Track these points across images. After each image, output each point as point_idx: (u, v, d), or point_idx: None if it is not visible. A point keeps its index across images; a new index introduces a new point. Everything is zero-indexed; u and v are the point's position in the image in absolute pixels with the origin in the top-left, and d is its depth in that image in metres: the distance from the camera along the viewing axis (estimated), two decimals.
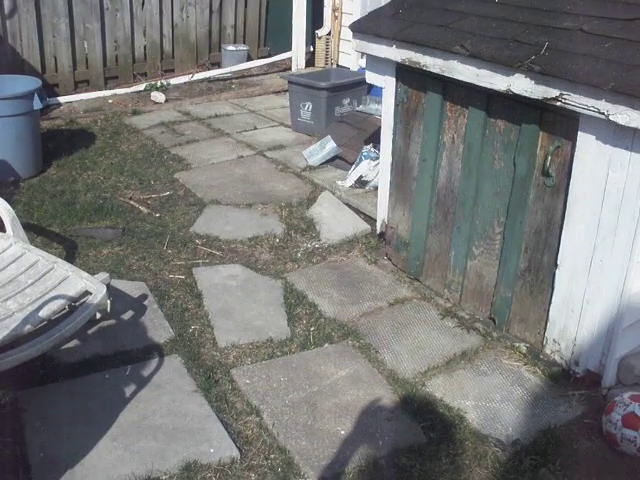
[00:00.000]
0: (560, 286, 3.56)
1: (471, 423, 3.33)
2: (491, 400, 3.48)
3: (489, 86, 3.55)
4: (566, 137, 3.38)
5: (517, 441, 3.23)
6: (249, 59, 9.64)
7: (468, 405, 3.44)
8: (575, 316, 3.51)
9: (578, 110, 3.15)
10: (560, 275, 3.54)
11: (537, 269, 3.68)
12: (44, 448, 3.10)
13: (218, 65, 9.62)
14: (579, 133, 3.27)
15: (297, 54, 9.30)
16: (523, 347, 3.81)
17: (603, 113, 3.03)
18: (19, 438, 3.17)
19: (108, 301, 3.76)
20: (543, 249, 3.63)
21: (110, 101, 8.24)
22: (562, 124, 3.38)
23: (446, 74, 3.80)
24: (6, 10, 7.77)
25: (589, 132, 3.22)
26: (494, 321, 3.99)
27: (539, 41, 3.37)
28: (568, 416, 3.38)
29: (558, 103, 3.22)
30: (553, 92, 3.22)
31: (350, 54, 8.61)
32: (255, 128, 7.42)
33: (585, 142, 3.25)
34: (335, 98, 6.93)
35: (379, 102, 5.27)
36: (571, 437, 3.26)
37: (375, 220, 4.97)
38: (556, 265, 3.55)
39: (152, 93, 8.42)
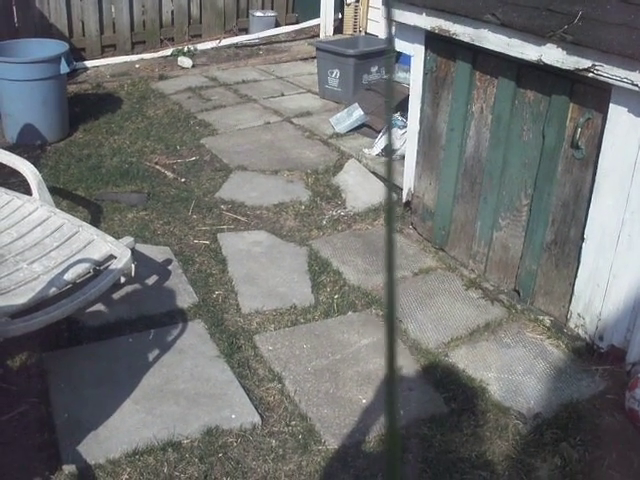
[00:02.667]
0: (586, 260, 3.52)
1: (493, 395, 3.32)
2: (513, 372, 3.47)
3: (520, 56, 3.50)
4: (597, 109, 3.32)
5: (539, 414, 3.22)
6: (277, 25, 9.57)
7: (490, 377, 3.44)
8: (601, 291, 3.48)
9: (610, 82, 3.10)
10: (587, 249, 3.51)
11: (563, 242, 3.65)
12: (68, 409, 3.13)
13: (246, 31, 9.56)
14: (611, 105, 3.21)
15: (325, 21, 9.23)
16: (547, 320, 3.79)
17: (637, 85, 2.98)
18: (44, 399, 3.21)
19: (132, 265, 3.77)
20: (570, 222, 3.59)
21: (137, 66, 8.23)
22: (593, 96, 3.32)
23: (476, 43, 3.75)
24: None
25: (621, 104, 3.16)
26: (518, 293, 3.97)
27: (572, 10, 3.31)
28: (591, 391, 3.36)
29: (590, 74, 3.17)
30: (585, 63, 3.17)
31: (379, 22, 8.53)
32: (282, 95, 7.38)
33: (617, 115, 3.20)
34: (363, 66, 6.88)
35: (407, 70, 5.21)
36: (593, 412, 3.24)
37: (401, 189, 4.93)
38: (583, 239, 3.51)
39: (179, 58, 8.39)
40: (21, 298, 3.29)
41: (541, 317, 3.82)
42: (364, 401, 3.27)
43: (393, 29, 4.58)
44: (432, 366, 3.49)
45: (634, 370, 3.41)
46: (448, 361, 3.54)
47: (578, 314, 3.64)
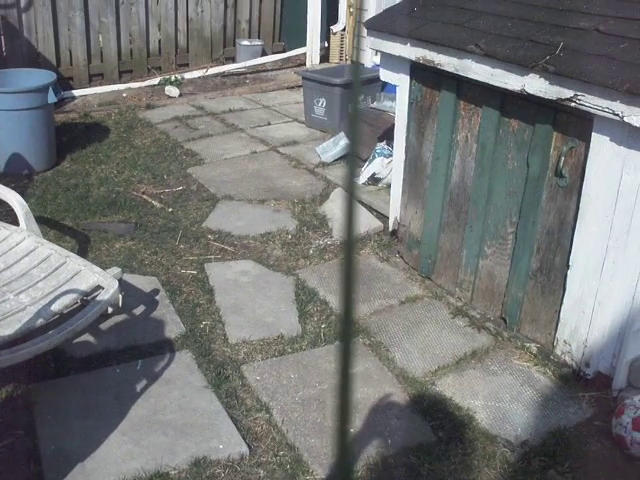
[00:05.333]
0: (572, 287, 3.55)
1: (480, 423, 3.33)
2: (501, 400, 3.48)
3: (503, 86, 3.54)
4: (580, 138, 3.36)
5: (526, 442, 3.22)
6: (264, 54, 9.63)
7: (478, 405, 3.44)
8: (586, 317, 3.50)
9: (592, 111, 3.14)
10: (572, 276, 3.53)
11: (549, 270, 3.68)
12: (55, 441, 3.12)
13: (232, 60, 9.62)
14: (593, 134, 3.25)
15: (312, 50, 9.29)
16: (534, 347, 3.80)
17: (618, 114, 3.02)
18: (31, 431, 3.19)
19: (120, 296, 3.77)
20: (555, 250, 3.62)
21: (124, 95, 8.26)
22: (576, 125, 3.37)
23: (460, 73, 3.79)
24: (22, 4, 7.79)
25: (603, 133, 3.21)
26: (505, 321, 3.99)
27: (554, 41, 3.36)
28: (578, 418, 3.38)
29: (572, 104, 3.21)
30: (567, 93, 3.21)
31: (365, 50, 8.59)
32: (269, 123, 7.42)
33: (599, 143, 3.24)
34: (349, 95, 6.88)
35: (393, 99, 5.26)
36: (580, 439, 3.25)
37: (387, 217, 4.96)
38: (568, 266, 3.54)
39: (166, 87, 8.43)
40: (8, 329, 3.28)
41: (528, 344, 3.83)
42: (351, 430, 3.26)
43: (377, 58, 4.64)
44: (419, 395, 3.50)
45: (620, 396, 3.43)
46: (435, 389, 3.55)
47: (564, 341, 3.65)
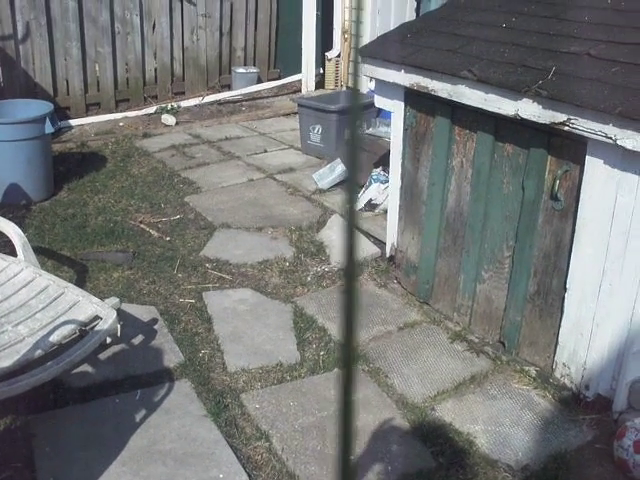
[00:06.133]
0: (569, 310, 3.55)
1: (480, 448, 3.32)
2: (501, 424, 3.47)
3: (497, 111, 3.56)
4: (574, 161, 3.38)
5: (527, 466, 3.21)
6: (259, 81, 9.69)
7: (477, 429, 3.44)
8: (585, 340, 3.50)
9: (586, 135, 3.16)
10: (569, 299, 3.54)
11: (546, 293, 3.68)
12: (54, 473, 3.10)
13: (228, 87, 9.67)
14: (587, 157, 3.27)
15: (307, 76, 9.34)
16: (533, 371, 3.80)
17: (611, 138, 3.04)
18: (29, 463, 3.17)
19: (118, 326, 3.77)
20: (552, 273, 3.63)
21: (121, 124, 8.30)
22: (570, 148, 3.38)
23: (454, 99, 3.82)
24: (19, 35, 7.85)
25: (597, 156, 3.23)
26: (503, 345, 3.98)
27: (546, 65, 3.39)
28: (578, 441, 3.37)
29: (566, 128, 3.23)
30: (560, 117, 3.23)
31: (360, 76, 8.63)
32: (265, 151, 7.45)
33: (593, 166, 3.26)
34: (345, 121, 6.95)
35: (388, 125, 5.29)
36: (582, 462, 3.24)
37: (384, 243, 4.98)
38: (565, 289, 3.55)
39: (163, 116, 8.47)
40: (6, 361, 3.27)
41: (527, 368, 3.83)
42: (351, 457, 3.24)
43: (372, 85, 4.66)
44: (419, 420, 3.49)
45: (621, 419, 3.42)
46: (435, 415, 3.54)
47: (563, 364, 3.65)
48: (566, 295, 3.55)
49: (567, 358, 3.63)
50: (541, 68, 3.40)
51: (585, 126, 3.14)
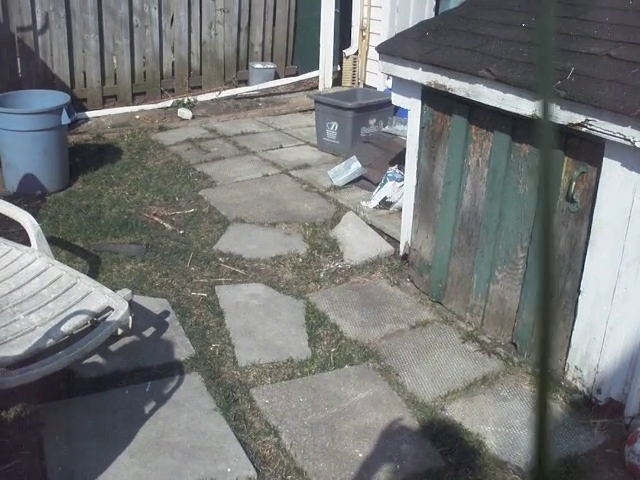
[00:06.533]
0: (583, 313, 3.53)
1: (490, 449, 3.30)
2: (511, 426, 3.45)
3: (515, 111, 3.54)
4: (591, 163, 3.36)
5: None
6: (276, 77, 9.69)
7: (487, 430, 3.42)
8: (598, 343, 3.48)
9: (603, 136, 3.14)
10: (583, 302, 3.52)
11: (560, 295, 3.66)
12: (63, 462, 3.11)
13: (245, 83, 9.68)
14: (604, 159, 3.25)
15: (324, 73, 9.32)
16: None
17: (629, 140, 3.01)
18: (38, 452, 3.18)
19: (130, 317, 3.78)
20: (566, 275, 3.61)
21: (137, 117, 8.31)
22: (587, 150, 3.36)
23: (472, 98, 3.80)
24: (38, 26, 7.88)
25: (614, 158, 3.20)
26: (515, 346, 3.97)
27: (565, 66, 3.36)
28: (589, 445, 3.34)
29: (583, 129, 3.21)
30: (578, 118, 3.21)
31: (377, 74, 8.63)
32: (281, 147, 7.44)
33: (610, 168, 3.23)
34: (361, 118, 6.94)
35: (405, 123, 5.28)
36: (592, 467, 3.22)
37: (398, 242, 4.96)
38: (579, 291, 3.52)
39: (179, 109, 8.47)
40: (18, 349, 3.28)
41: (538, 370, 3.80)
42: (360, 455, 3.25)
43: (389, 82, 4.65)
44: (429, 420, 3.48)
45: (633, 424, 3.40)
46: (445, 415, 3.52)
47: (575, 367, 3.63)
48: (580, 298, 3.53)
49: (579, 361, 3.60)
50: (560, 68, 3.37)
51: (603, 127, 3.12)
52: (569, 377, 3.67)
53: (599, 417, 3.50)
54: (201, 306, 4.39)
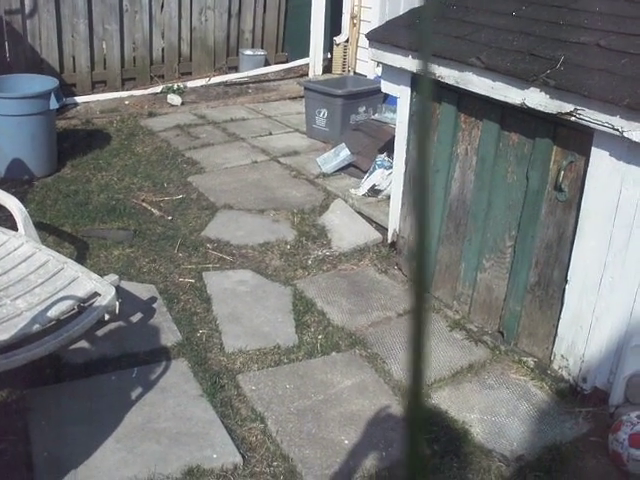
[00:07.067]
0: (570, 302, 3.54)
1: (476, 437, 3.32)
2: (497, 414, 3.47)
3: (504, 99, 3.54)
4: (579, 152, 3.36)
5: (522, 457, 3.21)
6: (266, 64, 9.65)
7: (473, 418, 3.43)
8: (584, 332, 3.49)
9: (592, 126, 3.14)
10: (570, 291, 3.53)
11: (547, 284, 3.67)
12: (48, 447, 3.11)
13: (235, 69, 9.63)
14: (593, 149, 3.25)
15: (314, 60, 9.30)
16: (531, 362, 3.79)
17: (617, 129, 3.02)
18: (24, 437, 3.18)
19: (117, 303, 3.77)
20: (554, 264, 3.61)
21: (127, 102, 8.26)
22: (576, 139, 3.36)
23: (461, 86, 3.80)
24: (27, 10, 7.81)
25: (603, 148, 3.20)
26: (502, 334, 3.98)
27: (555, 55, 3.36)
28: (574, 433, 3.36)
29: (572, 118, 3.21)
30: (567, 107, 3.21)
31: (367, 62, 8.60)
32: (270, 133, 7.42)
33: (598, 158, 3.24)
34: (351, 106, 6.93)
35: (394, 111, 5.26)
36: (576, 455, 3.24)
37: (387, 229, 4.96)
38: (566, 281, 3.53)
39: (168, 95, 8.43)
40: (4, 334, 3.28)
41: (525, 358, 3.82)
42: (346, 442, 3.25)
43: (378, 69, 4.64)
44: None
45: (617, 412, 3.42)
46: (431, 402, 3.53)
47: (562, 355, 3.64)
48: (567, 287, 3.54)
49: (565, 350, 3.62)
50: (549, 57, 3.37)
51: (592, 117, 3.12)
52: (555, 366, 3.69)
53: (584, 406, 3.52)
54: (188, 292, 4.39)
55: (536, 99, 3.35)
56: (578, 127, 3.26)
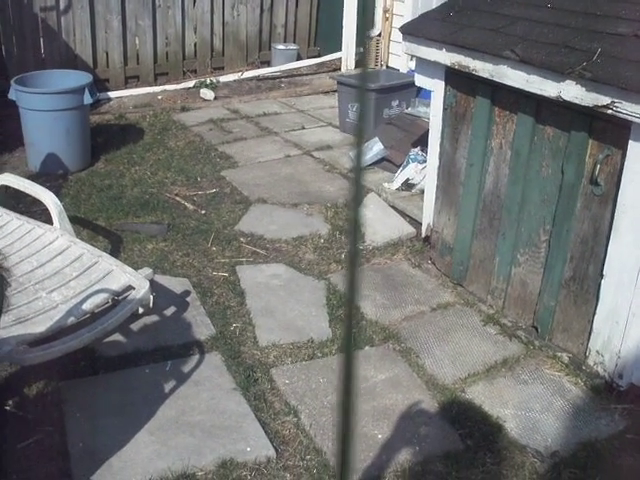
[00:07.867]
0: (605, 297, 3.50)
1: (510, 432, 3.29)
2: (531, 410, 3.44)
3: (539, 92, 3.51)
4: (616, 146, 3.32)
5: (556, 453, 3.18)
6: (299, 58, 9.65)
7: (507, 414, 3.41)
8: (620, 328, 3.45)
9: (630, 118, 3.10)
10: (605, 286, 3.49)
11: (582, 279, 3.63)
12: (83, 439, 3.14)
13: (268, 64, 9.64)
14: (630, 142, 3.21)
15: (347, 55, 9.27)
16: (565, 357, 3.76)
17: None
18: (60, 428, 3.21)
19: (151, 296, 3.80)
20: (589, 259, 3.58)
21: (159, 97, 8.31)
22: (612, 132, 3.32)
23: (495, 79, 3.76)
24: (61, 7, 7.88)
25: None
26: (536, 329, 3.94)
27: (591, 47, 3.32)
28: (610, 430, 3.33)
29: (609, 111, 3.17)
30: (604, 100, 3.17)
31: (400, 56, 8.56)
32: (303, 128, 7.42)
33: (636, 151, 3.19)
34: (384, 100, 6.90)
35: (428, 105, 5.24)
36: (612, 452, 3.20)
37: (420, 223, 4.94)
38: (602, 275, 3.49)
39: (201, 90, 8.46)
40: (40, 327, 3.31)
41: (559, 354, 3.79)
42: (380, 436, 3.25)
43: (412, 63, 4.61)
44: (448, 402, 3.47)
45: None
46: (465, 397, 3.51)
47: (597, 351, 3.61)
48: (602, 282, 3.50)
49: (601, 346, 3.58)
50: (586, 49, 3.33)
51: (629, 110, 3.08)
52: (590, 361, 3.65)
53: (620, 402, 3.48)
54: (222, 286, 4.40)
55: (572, 92, 3.31)
56: (615, 120, 3.22)
